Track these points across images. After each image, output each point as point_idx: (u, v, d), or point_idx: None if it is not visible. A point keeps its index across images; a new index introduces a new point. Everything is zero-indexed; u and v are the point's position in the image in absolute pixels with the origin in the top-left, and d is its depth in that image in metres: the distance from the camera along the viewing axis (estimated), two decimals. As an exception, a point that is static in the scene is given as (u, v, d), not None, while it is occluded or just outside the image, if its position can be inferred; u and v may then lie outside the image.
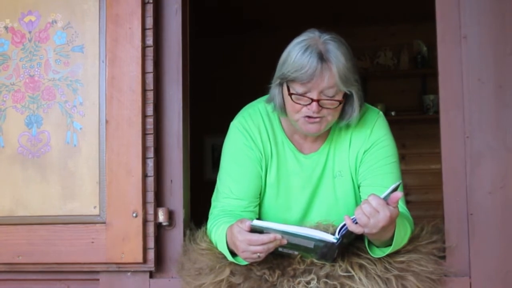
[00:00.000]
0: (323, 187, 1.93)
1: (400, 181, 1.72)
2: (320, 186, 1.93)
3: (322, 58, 1.71)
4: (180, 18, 2.09)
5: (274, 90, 1.84)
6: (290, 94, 1.77)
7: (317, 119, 1.79)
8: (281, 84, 1.81)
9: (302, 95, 1.75)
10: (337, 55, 1.73)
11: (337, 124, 1.88)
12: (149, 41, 2.06)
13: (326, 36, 1.76)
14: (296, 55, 1.73)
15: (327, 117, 1.80)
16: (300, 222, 1.92)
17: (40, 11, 2.13)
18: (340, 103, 1.78)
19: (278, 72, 1.80)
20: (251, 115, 1.94)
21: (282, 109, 1.85)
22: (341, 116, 1.84)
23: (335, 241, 1.64)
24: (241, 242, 1.64)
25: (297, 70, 1.72)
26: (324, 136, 1.92)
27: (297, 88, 1.75)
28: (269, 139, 1.92)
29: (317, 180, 1.93)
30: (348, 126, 1.90)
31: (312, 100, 1.74)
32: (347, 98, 1.80)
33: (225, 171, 1.95)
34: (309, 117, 1.78)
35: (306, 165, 1.93)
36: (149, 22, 2.06)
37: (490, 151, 1.87)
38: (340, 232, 1.64)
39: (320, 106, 1.76)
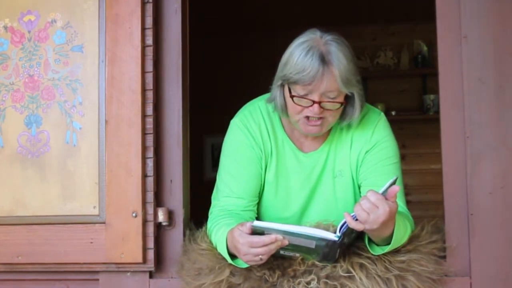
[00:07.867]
0: (322, 186, 1.93)
1: (397, 176, 1.72)
2: (319, 185, 1.93)
3: (323, 60, 1.71)
4: (180, 17, 2.09)
5: (275, 91, 1.84)
6: (292, 96, 1.77)
7: (318, 121, 1.79)
8: (282, 86, 1.81)
9: (304, 97, 1.75)
10: (339, 57, 1.72)
11: (338, 124, 1.88)
12: (149, 40, 2.06)
13: (327, 37, 1.76)
14: (298, 57, 1.73)
15: (328, 118, 1.80)
16: (298, 221, 1.93)
17: (39, 11, 2.13)
18: (341, 105, 1.78)
19: (279, 73, 1.80)
20: (251, 113, 1.94)
21: (283, 110, 1.84)
22: (342, 116, 1.84)
23: (336, 239, 1.63)
24: (242, 245, 1.63)
25: (299, 72, 1.72)
26: (324, 135, 1.92)
27: (299, 90, 1.75)
28: (269, 137, 1.92)
29: (316, 179, 1.92)
30: (349, 126, 1.90)
31: (314, 102, 1.75)
32: (348, 99, 1.80)
33: (225, 170, 1.95)
34: (310, 118, 1.78)
35: (305, 164, 1.92)
36: (149, 21, 2.06)
37: (490, 151, 1.87)
38: (341, 230, 1.64)
39: (322, 107, 1.76)
